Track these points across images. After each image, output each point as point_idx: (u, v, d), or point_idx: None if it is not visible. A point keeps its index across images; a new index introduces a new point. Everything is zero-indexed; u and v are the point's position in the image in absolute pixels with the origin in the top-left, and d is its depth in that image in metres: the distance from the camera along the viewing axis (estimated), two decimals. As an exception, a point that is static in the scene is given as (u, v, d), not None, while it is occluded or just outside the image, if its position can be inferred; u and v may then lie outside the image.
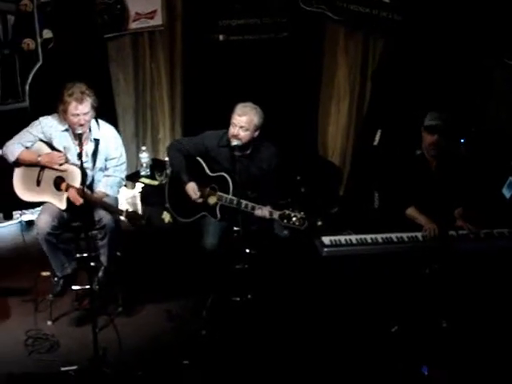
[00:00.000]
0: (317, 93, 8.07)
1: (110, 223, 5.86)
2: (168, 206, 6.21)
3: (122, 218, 5.75)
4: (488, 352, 5.48)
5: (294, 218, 5.51)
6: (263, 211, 5.64)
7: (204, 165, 5.98)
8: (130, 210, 5.80)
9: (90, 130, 5.92)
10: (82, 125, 5.75)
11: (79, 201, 5.71)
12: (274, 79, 7.89)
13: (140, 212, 5.82)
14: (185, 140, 6.18)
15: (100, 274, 6.11)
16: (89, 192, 5.79)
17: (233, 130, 5.77)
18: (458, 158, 6.01)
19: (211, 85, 7.75)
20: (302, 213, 5.53)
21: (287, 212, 5.52)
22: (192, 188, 5.90)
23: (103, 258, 6.05)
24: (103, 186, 6.00)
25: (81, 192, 5.64)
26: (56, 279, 6.07)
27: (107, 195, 5.99)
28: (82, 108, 5.75)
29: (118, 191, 6.18)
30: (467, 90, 6.83)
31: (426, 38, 6.90)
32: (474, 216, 5.84)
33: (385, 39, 7.41)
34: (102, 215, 5.87)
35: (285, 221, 5.54)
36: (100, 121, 6.01)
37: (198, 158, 6.00)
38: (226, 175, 5.84)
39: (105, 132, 6.02)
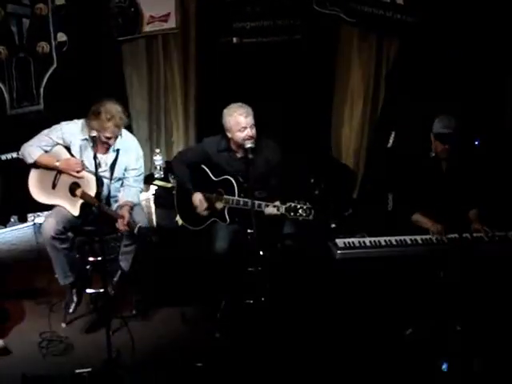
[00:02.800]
0: (330, 95, 8.06)
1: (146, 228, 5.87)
2: (178, 218, 6.25)
3: (135, 231, 5.73)
4: (503, 353, 5.45)
5: (300, 210, 5.49)
6: (271, 208, 5.62)
7: (208, 171, 6.00)
8: (143, 225, 5.76)
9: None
10: (110, 144, 5.85)
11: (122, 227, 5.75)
12: (288, 81, 7.89)
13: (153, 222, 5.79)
14: (186, 151, 6.30)
15: (116, 278, 6.11)
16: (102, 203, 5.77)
17: (246, 133, 5.75)
18: (471, 160, 5.99)
19: (225, 87, 7.74)
20: (308, 203, 5.51)
21: (293, 204, 5.51)
22: (198, 199, 5.93)
23: (124, 264, 6.03)
24: (128, 197, 5.99)
25: (95, 199, 5.66)
26: (69, 294, 6.07)
27: (134, 204, 5.99)
28: (117, 132, 5.82)
29: (139, 199, 6.19)
30: (481, 92, 6.79)
31: (440, 40, 6.88)
32: (488, 218, 5.82)
33: (399, 41, 7.39)
34: (139, 220, 5.87)
35: (292, 213, 5.52)
36: (123, 130, 5.99)
37: (203, 166, 6.02)
38: (230, 178, 5.87)
39: (127, 142, 6.03)
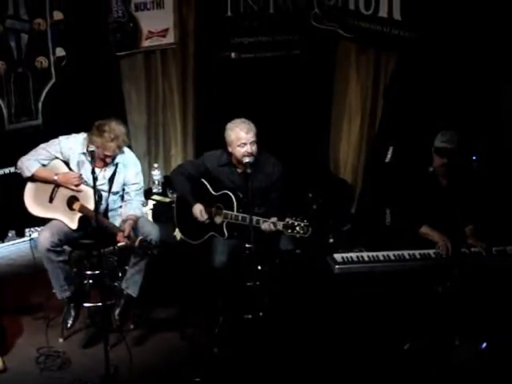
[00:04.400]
0: (328, 110, 8.08)
1: (157, 239, 5.83)
2: (177, 231, 6.25)
3: (136, 244, 5.72)
4: (501, 367, 5.45)
5: (297, 227, 5.49)
6: (268, 224, 5.62)
7: (208, 185, 6.01)
8: (153, 237, 5.75)
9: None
10: (107, 162, 5.86)
11: (122, 240, 5.73)
12: (286, 96, 7.91)
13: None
14: (187, 164, 6.28)
15: (119, 308, 6.05)
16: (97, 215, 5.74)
17: (246, 149, 5.76)
18: (469, 175, 5.99)
19: (223, 102, 7.77)
20: (305, 220, 5.51)
21: (290, 221, 5.50)
22: (199, 210, 5.93)
23: (133, 289, 5.96)
24: (130, 210, 5.95)
25: (93, 213, 5.66)
26: (66, 308, 6.05)
27: (137, 218, 5.96)
28: (117, 152, 5.84)
29: (142, 212, 6.18)
30: (479, 108, 6.80)
31: (438, 55, 6.89)
32: (485, 233, 5.82)
33: (396, 56, 7.41)
34: (149, 230, 5.87)
35: (289, 231, 5.52)
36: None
37: (203, 180, 6.04)
38: (229, 193, 5.87)
39: (126, 157, 6.03)
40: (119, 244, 5.90)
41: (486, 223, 5.93)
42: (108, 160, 5.86)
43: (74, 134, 5.98)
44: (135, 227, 5.86)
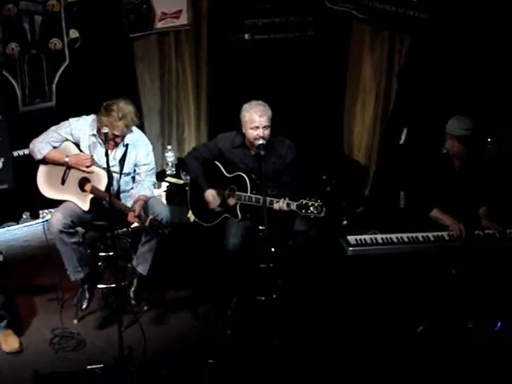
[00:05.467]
0: (342, 91, 8.04)
1: (167, 219, 5.83)
2: (190, 214, 6.26)
3: (146, 224, 5.73)
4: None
5: (311, 207, 5.46)
6: (281, 204, 5.59)
7: (221, 167, 5.99)
8: (163, 217, 5.75)
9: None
10: (117, 141, 5.86)
11: (134, 219, 5.73)
12: (300, 78, 7.89)
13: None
14: (200, 147, 6.23)
15: (133, 288, 6.13)
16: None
17: (258, 133, 5.74)
18: (483, 157, 5.97)
19: (237, 84, 7.76)
20: (319, 200, 5.50)
21: (304, 201, 5.47)
22: (211, 194, 5.92)
23: (143, 267, 6.01)
24: (140, 191, 5.95)
25: (105, 193, 5.68)
26: (80, 290, 6.10)
27: (148, 198, 5.96)
28: (126, 132, 5.83)
29: (153, 192, 6.19)
30: (493, 90, 6.76)
31: (453, 36, 6.85)
32: (499, 214, 5.80)
33: (411, 38, 7.36)
34: (159, 211, 5.87)
35: (303, 211, 5.49)
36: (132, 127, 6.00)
37: (216, 162, 6.02)
38: (243, 174, 5.85)
39: (136, 138, 6.02)
40: (131, 225, 5.91)
41: (499, 205, 5.91)
42: (118, 140, 5.86)
43: (84, 116, 5.99)
44: (146, 207, 5.86)
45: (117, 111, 5.72)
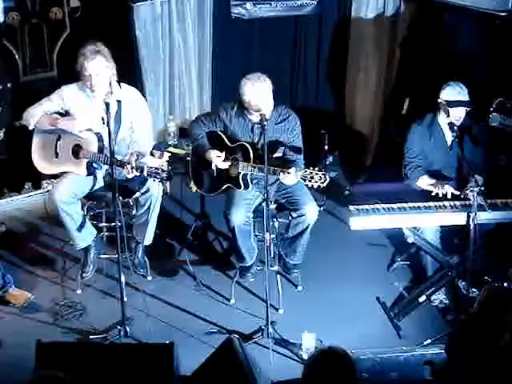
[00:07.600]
0: (344, 61, 8.00)
1: (155, 194, 5.85)
2: (192, 184, 6.26)
3: (144, 173, 5.52)
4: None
5: (315, 177, 5.45)
6: (285, 175, 5.56)
7: (224, 137, 5.95)
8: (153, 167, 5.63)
9: (111, 93, 5.77)
10: (94, 88, 5.69)
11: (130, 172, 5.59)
12: (302, 48, 7.86)
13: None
14: (203, 116, 6.16)
15: (139, 253, 6.16)
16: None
17: (257, 108, 5.69)
18: (479, 126, 6.00)
19: (240, 53, 7.73)
20: (323, 169, 5.49)
21: (308, 171, 5.46)
22: (215, 153, 5.88)
23: (139, 236, 6.06)
24: (137, 147, 5.81)
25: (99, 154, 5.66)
26: (83, 260, 6.10)
27: (143, 155, 5.76)
28: (106, 71, 5.68)
29: (149, 149, 6.06)
30: (495, 59, 6.74)
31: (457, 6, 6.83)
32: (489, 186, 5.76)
33: (414, 7, 7.33)
34: (150, 185, 5.85)
35: (307, 180, 5.48)
36: (122, 84, 5.88)
37: (219, 132, 5.98)
38: (245, 144, 5.81)
39: (127, 93, 5.90)
40: (134, 195, 5.89)
41: (490, 175, 5.92)
42: (103, 81, 5.68)
43: (75, 83, 5.89)
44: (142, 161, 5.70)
45: (89, 50, 5.65)
